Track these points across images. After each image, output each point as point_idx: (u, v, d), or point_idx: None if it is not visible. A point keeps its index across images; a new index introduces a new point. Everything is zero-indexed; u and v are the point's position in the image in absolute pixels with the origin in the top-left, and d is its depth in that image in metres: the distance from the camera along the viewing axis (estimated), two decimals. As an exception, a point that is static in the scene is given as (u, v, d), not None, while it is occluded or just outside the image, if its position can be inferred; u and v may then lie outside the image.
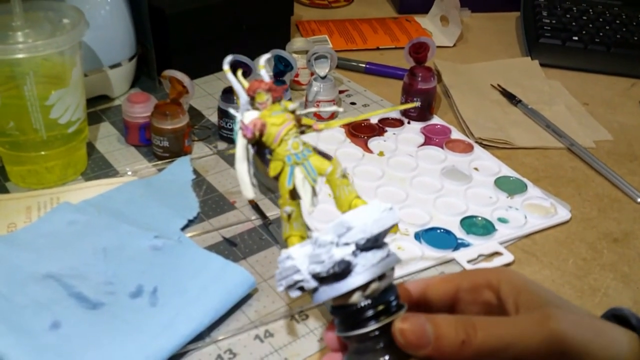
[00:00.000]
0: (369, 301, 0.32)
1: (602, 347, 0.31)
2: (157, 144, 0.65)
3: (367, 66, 0.88)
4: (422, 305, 0.35)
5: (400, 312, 0.32)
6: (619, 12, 0.99)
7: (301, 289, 0.33)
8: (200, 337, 0.46)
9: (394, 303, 0.32)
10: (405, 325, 0.30)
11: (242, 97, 0.37)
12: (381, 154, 0.70)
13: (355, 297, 0.32)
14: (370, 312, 0.31)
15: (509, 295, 0.33)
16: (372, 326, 0.31)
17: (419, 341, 0.30)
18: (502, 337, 0.30)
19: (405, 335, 0.30)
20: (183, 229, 0.56)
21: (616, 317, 0.34)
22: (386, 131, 0.74)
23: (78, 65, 0.60)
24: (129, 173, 0.64)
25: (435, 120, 0.76)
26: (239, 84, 0.38)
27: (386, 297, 0.32)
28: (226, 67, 0.39)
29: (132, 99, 0.67)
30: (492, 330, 0.30)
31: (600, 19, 0.97)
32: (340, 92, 0.82)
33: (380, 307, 0.32)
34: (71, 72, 0.59)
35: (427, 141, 0.72)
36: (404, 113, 0.76)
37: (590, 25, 0.95)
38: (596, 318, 0.33)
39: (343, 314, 0.32)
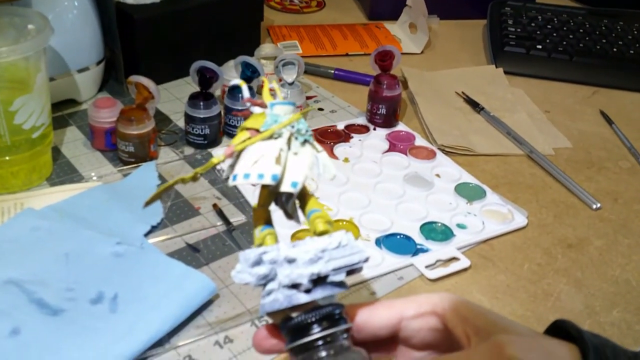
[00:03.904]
0: (317, 313, 0.33)
1: None
2: (122, 149, 0.65)
3: (336, 72, 0.89)
4: (364, 331, 0.35)
5: (343, 325, 0.33)
6: (582, 20, 1.02)
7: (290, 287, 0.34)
8: (159, 343, 0.47)
9: (337, 317, 0.34)
10: None
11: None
12: (346, 160, 0.71)
13: (299, 312, 0.33)
14: (316, 324, 0.33)
15: (456, 324, 0.34)
16: (317, 334, 0.33)
17: None
18: None
19: None
20: (147, 234, 0.57)
21: (559, 328, 0.35)
22: (352, 137, 0.75)
23: (43, 70, 0.60)
24: (94, 178, 0.64)
25: (401, 126, 0.77)
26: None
27: (331, 311, 0.34)
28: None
29: (98, 104, 0.67)
30: None
31: (565, 28, 0.99)
32: (309, 97, 0.83)
33: (325, 322, 0.33)
34: (36, 77, 0.59)
35: (392, 147, 0.73)
36: (370, 119, 0.77)
37: (554, 34, 0.97)
38: (541, 336, 0.34)
39: (292, 325, 0.33)
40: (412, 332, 0.35)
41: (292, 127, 0.37)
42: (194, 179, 0.37)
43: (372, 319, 0.35)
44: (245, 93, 0.38)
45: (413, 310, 0.35)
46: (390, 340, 0.36)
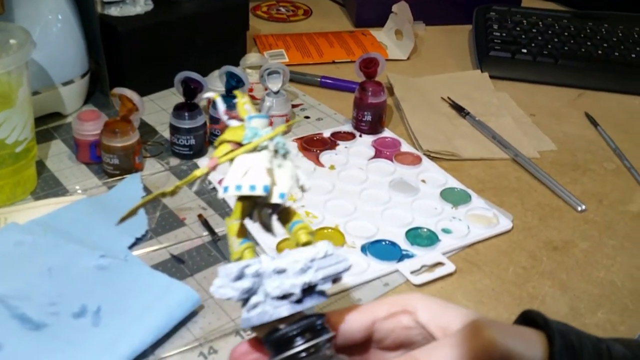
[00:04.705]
0: (300, 324, 0.33)
1: (526, 348, 0.33)
2: (107, 162, 0.65)
3: (322, 80, 0.89)
4: (339, 337, 0.35)
5: (326, 335, 0.34)
6: (567, 24, 1.02)
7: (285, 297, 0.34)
8: (143, 355, 0.47)
9: (319, 327, 0.34)
10: None
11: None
12: (332, 167, 0.71)
13: (286, 324, 0.33)
14: (299, 336, 0.33)
15: (429, 320, 0.34)
16: (301, 346, 0.33)
17: None
18: (446, 358, 0.31)
19: None
20: (131, 247, 0.57)
21: (527, 318, 0.36)
22: (338, 145, 0.75)
23: (25, 85, 0.60)
24: (79, 191, 0.64)
25: (386, 133, 0.77)
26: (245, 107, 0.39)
27: (314, 321, 0.34)
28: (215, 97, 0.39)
29: (82, 117, 0.67)
30: (435, 356, 0.32)
31: (549, 31, 1.00)
32: (295, 106, 0.83)
33: (308, 333, 0.33)
34: (18, 92, 0.59)
35: (378, 154, 0.73)
36: (356, 126, 0.77)
37: (539, 38, 0.98)
38: (510, 325, 0.35)
39: (276, 337, 0.33)
40: (385, 333, 0.36)
41: (272, 140, 0.37)
42: (174, 192, 0.37)
43: (346, 324, 0.35)
44: (221, 106, 0.38)
45: (385, 311, 0.35)
46: (363, 344, 0.36)
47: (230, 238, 0.37)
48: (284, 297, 0.33)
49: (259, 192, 0.34)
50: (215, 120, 0.72)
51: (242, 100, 0.38)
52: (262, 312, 0.33)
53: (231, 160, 0.36)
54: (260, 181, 0.35)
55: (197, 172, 0.36)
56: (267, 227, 0.38)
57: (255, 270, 0.34)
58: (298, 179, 0.37)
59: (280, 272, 0.34)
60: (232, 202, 0.63)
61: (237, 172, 0.35)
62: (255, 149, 0.36)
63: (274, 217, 0.38)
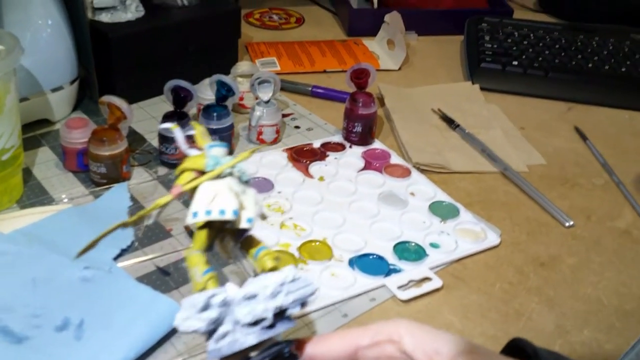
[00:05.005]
0: (269, 352, 0.33)
1: None
2: (94, 170, 0.65)
3: (313, 89, 0.89)
4: None
5: None
6: (558, 36, 1.03)
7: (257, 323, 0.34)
8: (126, 369, 0.46)
9: (287, 354, 0.34)
10: None
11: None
12: (321, 179, 0.71)
13: (255, 352, 0.33)
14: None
15: (415, 348, 0.34)
16: None
17: None
18: None
19: None
20: (116, 258, 0.56)
21: (515, 347, 0.36)
22: (328, 155, 0.75)
23: (12, 92, 0.60)
24: (65, 200, 0.63)
25: (376, 144, 0.77)
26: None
27: (282, 348, 0.34)
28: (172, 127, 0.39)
29: (70, 125, 0.67)
30: None
31: (540, 44, 1.00)
32: (285, 115, 0.83)
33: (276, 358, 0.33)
34: (5, 99, 0.59)
35: (367, 166, 0.73)
36: (346, 137, 0.77)
37: (530, 50, 0.98)
38: (498, 355, 0.35)
39: None
40: None
41: (233, 167, 0.38)
42: (136, 223, 0.37)
43: (327, 351, 0.35)
44: (179, 136, 0.38)
45: (369, 339, 0.35)
46: None
47: (191, 269, 0.36)
48: (254, 323, 0.33)
49: (229, 216, 0.35)
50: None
51: (200, 130, 0.39)
52: (232, 341, 0.33)
53: (194, 188, 0.36)
54: (229, 205, 0.35)
55: (161, 201, 0.36)
56: (230, 256, 0.39)
57: (222, 299, 0.33)
58: (261, 206, 0.37)
59: (251, 298, 0.33)
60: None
61: (204, 198, 0.36)
62: (218, 176, 0.37)
63: (237, 247, 0.38)
